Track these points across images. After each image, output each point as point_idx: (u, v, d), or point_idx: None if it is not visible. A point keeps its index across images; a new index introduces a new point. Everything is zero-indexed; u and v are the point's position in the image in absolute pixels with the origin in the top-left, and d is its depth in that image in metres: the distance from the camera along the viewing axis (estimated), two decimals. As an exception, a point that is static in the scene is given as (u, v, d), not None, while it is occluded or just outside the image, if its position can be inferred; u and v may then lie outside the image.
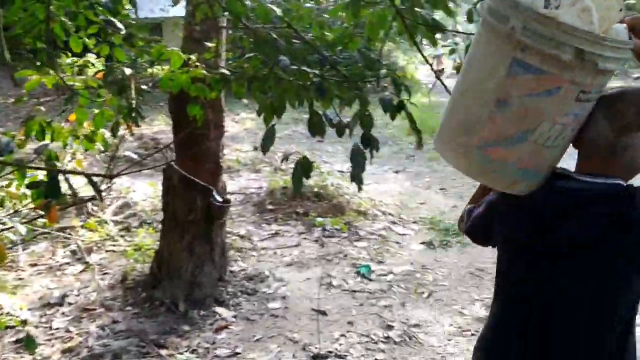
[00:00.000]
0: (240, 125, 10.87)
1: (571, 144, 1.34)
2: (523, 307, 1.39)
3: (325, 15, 2.46)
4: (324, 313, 3.77)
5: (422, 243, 5.01)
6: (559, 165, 1.37)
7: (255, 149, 8.40)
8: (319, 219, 5.19)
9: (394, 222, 5.53)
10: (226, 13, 2.32)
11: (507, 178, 1.33)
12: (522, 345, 1.39)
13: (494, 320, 1.51)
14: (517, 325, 1.41)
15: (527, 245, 1.38)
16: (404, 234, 5.24)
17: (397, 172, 7.63)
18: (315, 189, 5.92)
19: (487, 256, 4.74)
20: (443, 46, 2.64)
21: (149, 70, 2.72)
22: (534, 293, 1.37)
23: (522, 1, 1.15)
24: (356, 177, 2.05)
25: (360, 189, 2.10)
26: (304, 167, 2.13)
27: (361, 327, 3.59)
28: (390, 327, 3.59)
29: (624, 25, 1.24)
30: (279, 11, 2.18)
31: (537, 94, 1.20)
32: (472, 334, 3.53)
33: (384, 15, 2.13)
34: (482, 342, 1.54)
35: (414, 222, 5.56)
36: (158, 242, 4.07)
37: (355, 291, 4.09)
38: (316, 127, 2.15)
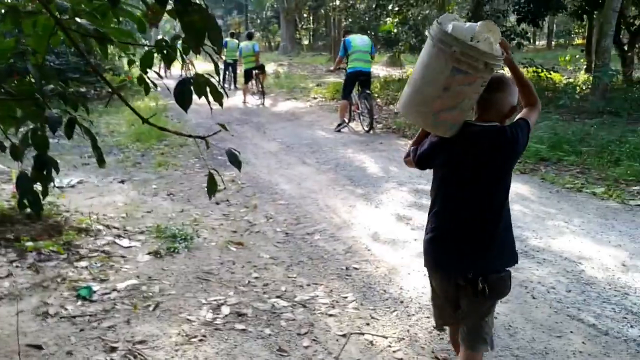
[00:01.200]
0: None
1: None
2: (460, 193, 2.58)
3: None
4: (39, 347, 3.44)
5: (149, 253, 4.88)
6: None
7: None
8: (31, 243, 4.73)
9: (119, 236, 5.29)
10: None
11: (445, 129, 2.48)
12: (461, 211, 2.58)
13: (440, 207, 2.64)
14: (456, 202, 2.59)
15: (462, 162, 2.54)
16: (129, 247, 5.05)
17: (122, 181, 7.32)
18: (28, 210, 5.39)
19: (214, 258, 4.83)
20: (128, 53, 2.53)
21: None
22: (467, 185, 2.55)
23: (459, 37, 2.29)
24: (31, 204, 1.88)
25: (38, 216, 1.94)
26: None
27: (81, 355, 3.35)
28: (113, 349, 3.41)
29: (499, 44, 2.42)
30: None
31: (464, 85, 2.37)
32: (200, 340, 3.54)
33: (48, 25, 1.97)
34: (431, 225, 2.68)
35: (141, 233, 5.39)
36: None
37: (75, 317, 3.80)
38: (-20, 152, 1.92)
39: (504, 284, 2.60)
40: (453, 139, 2.49)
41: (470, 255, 2.57)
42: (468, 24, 2.40)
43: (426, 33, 2.31)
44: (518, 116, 2.62)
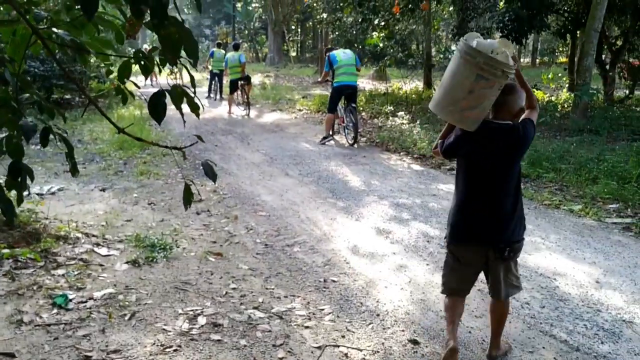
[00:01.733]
0: None
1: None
2: (482, 180, 3.25)
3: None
4: (11, 355, 3.41)
5: (127, 262, 4.86)
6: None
7: None
8: (7, 250, 4.69)
9: (97, 244, 5.27)
10: None
11: (469, 124, 3.11)
12: (485, 194, 3.25)
13: (465, 192, 3.31)
14: (479, 187, 3.27)
15: (482, 153, 3.18)
16: (108, 255, 5.03)
17: (103, 189, 7.30)
18: (5, 217, 5.35)
19: (192, 268, 4.82)
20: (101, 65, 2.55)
21: None
22: (487, 173, 3.22)
23: (482, 50, 2.93)
24: (4, 212, 1.89)
25: (11, 223, 1.94)
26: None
27: (54, 364, 3.34)
28: (87, 358, 3.40)
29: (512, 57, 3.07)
30: None
31: (486, 89, 2.99)
32: (175, 350, 3.54)
33: (26, 34, 1.99)
34: (458, 207, 3.34)
35: (120, 241, 5.38)
36: None
37: (49, 325, 3.78)
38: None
39: (521, 248, 3.37)
40: (474, 133, 3.13)
41: (498, 229, 3.23)
42: (489, 40, 3.09)
43: (453, 48, 2.81)
44: (523, 116, 3.26)
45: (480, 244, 3.31)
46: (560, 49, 32.89)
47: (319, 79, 12.90)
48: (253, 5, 42.77)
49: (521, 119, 3.21)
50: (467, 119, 3.09)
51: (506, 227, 3.23)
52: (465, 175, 3.31)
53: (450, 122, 3.29)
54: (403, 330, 3.90)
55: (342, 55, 11.00)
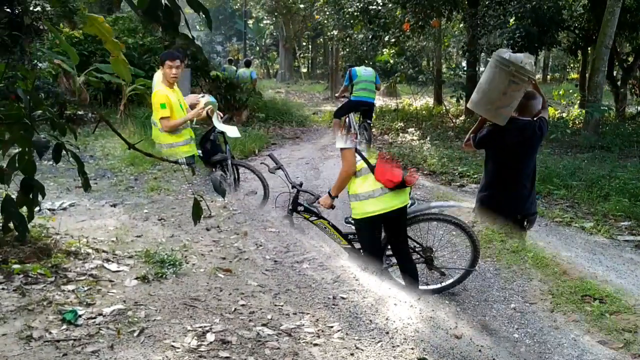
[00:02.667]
0: None
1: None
2: (507, 165, 4.33)
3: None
4: (20, 371, 3.42)
5: (137, 278, 4.86)
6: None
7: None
8: (18, 266, 4.71)
9: (107, 260, 5.28)
10: None
11: (502, 119, 4.27)
12: (508, 177, 4.34)
13: (493, 174, 4.44)
14: (504, 171, 4.37)
15: (508, 143, 4.27)
16: (118, 271, 5.03)
17: (114, 205, 7.33)
18: (17, 232, 5.38)
19: (201, 284, 4.82)
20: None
21: None
22: (511, 159, 4.27)
23: (514, 60, 4.13)
24: (17, 228, 1.91)
25: (23, 239, 1.96)
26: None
27: (63, 380, 3.34)
28: (96, 375, 3.40)
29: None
30: None
31: (515, 91, 4.18)
32: (183, 366, 3.53)
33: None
34: (487, 187, 4.56)
35: (130, 257, 5.38)
36: None
37: (59, 341, 3.78)
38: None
39: (535, 219, 4.46)
40: (503, 128, 4.14)
41: (517, 204, 4.21)
42: (518, 54, 4.06)
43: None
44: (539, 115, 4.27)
45: (506, 215, 4.29)
46: (571, 65, 32.86)
47: (337, 94, 13.02)
48: (264, 22, 43.09)
49: (537, 117, 4.17)
50: (500, 115, 4.07)
51: (523, 203, 4.20)
52: (494, 161, 4.31)
53: (487, 118, 4.23)
54: (412, 349, 3.87)
55: (363, 71, 11.14)
